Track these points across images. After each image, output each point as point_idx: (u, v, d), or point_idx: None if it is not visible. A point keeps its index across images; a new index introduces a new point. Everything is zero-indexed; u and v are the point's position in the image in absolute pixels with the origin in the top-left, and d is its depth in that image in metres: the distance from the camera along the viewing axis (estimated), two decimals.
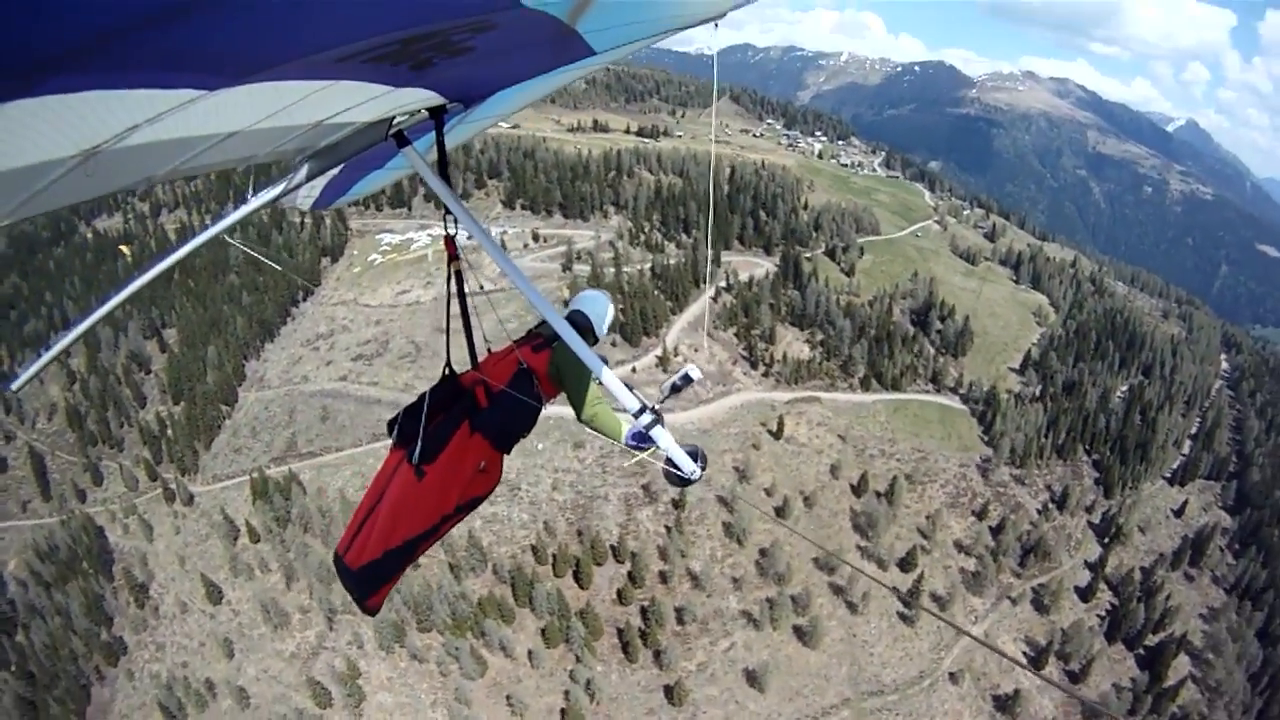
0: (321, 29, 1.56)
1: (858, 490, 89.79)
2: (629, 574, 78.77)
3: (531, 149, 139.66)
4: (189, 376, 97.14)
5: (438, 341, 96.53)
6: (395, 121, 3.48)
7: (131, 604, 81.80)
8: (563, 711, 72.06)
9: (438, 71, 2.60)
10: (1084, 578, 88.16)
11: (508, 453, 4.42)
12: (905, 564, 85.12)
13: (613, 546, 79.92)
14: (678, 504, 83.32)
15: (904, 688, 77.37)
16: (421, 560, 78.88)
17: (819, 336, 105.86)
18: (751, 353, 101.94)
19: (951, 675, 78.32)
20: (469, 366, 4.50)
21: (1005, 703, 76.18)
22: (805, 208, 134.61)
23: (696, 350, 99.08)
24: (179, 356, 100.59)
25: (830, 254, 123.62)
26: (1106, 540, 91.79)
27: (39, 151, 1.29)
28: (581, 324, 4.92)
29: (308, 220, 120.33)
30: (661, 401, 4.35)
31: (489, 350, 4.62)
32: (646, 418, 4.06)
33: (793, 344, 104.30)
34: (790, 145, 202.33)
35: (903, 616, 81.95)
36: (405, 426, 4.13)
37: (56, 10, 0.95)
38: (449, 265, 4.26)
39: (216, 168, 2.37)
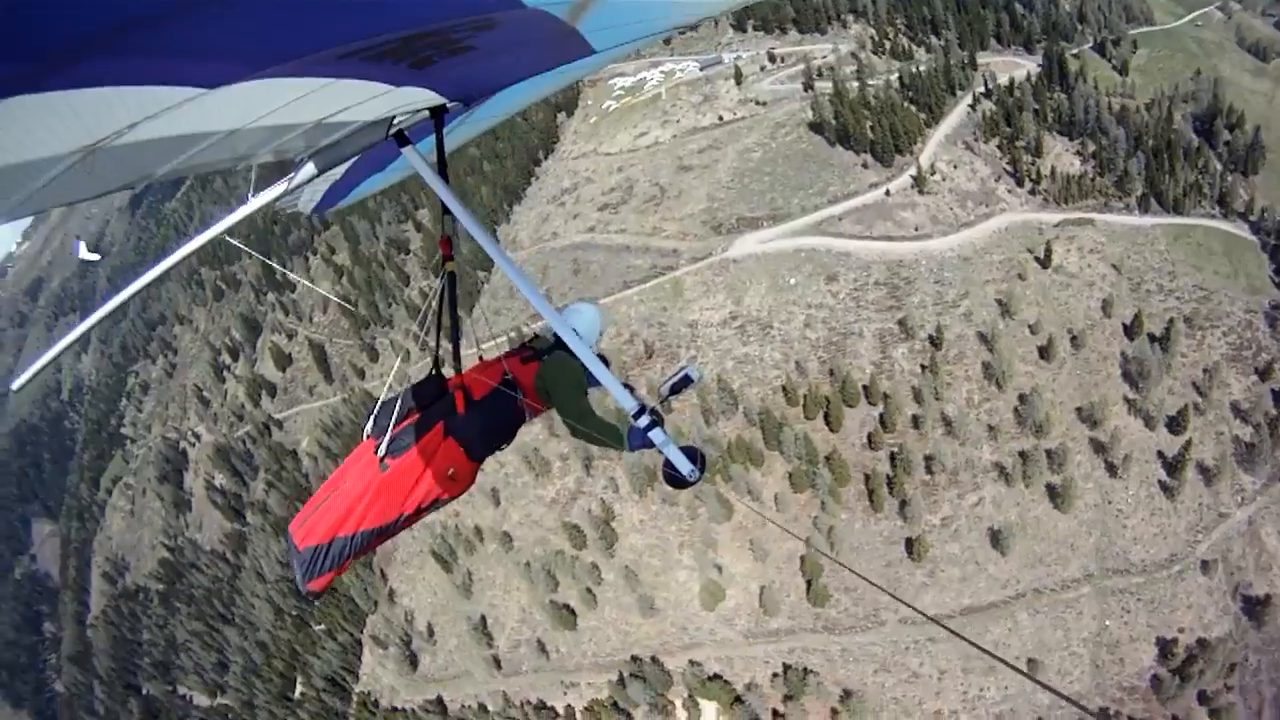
0: (323, 26, 1.55)
1: (1130, 332, 76.79)
2: (880, 417, 70.49)
3: None
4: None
5: (682, 180, 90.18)
6: (395, 121, 3.34)
7: None
8: (802, 559, 67.81)
9: (438, 70, 2.53)
10: None
11: (480, 462, 4.30)
12: (1174, 424, 74.14)
13: (865, 387, 70.97)
14: (935, 341, 72.42)
15: (1152, 570, 69.58)
16: (675, 405, 71.65)
17: (1091, 148, 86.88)
18: (1016, 168, 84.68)
19: (1204, 564, 69.75)
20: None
21: (1255, 606, 67.68)
22: None
23: (956, 166, 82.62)
24: (434, 233, 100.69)
25: (1099, 49, 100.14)
26: None
27: (41, 148, 1.28)
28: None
29: None
30: (660, 403, 4.17)
31: (480, 359, 4.62)
32: (644, 419, 3.77)
33: (1062, 156, 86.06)
34: None
35: (1164, 486, 72.69)
36: (379, 418, 4.06)
37: (58, 7, 0.95)
38: (443, 265, 4.10)
39: (217, 166, 2.32)
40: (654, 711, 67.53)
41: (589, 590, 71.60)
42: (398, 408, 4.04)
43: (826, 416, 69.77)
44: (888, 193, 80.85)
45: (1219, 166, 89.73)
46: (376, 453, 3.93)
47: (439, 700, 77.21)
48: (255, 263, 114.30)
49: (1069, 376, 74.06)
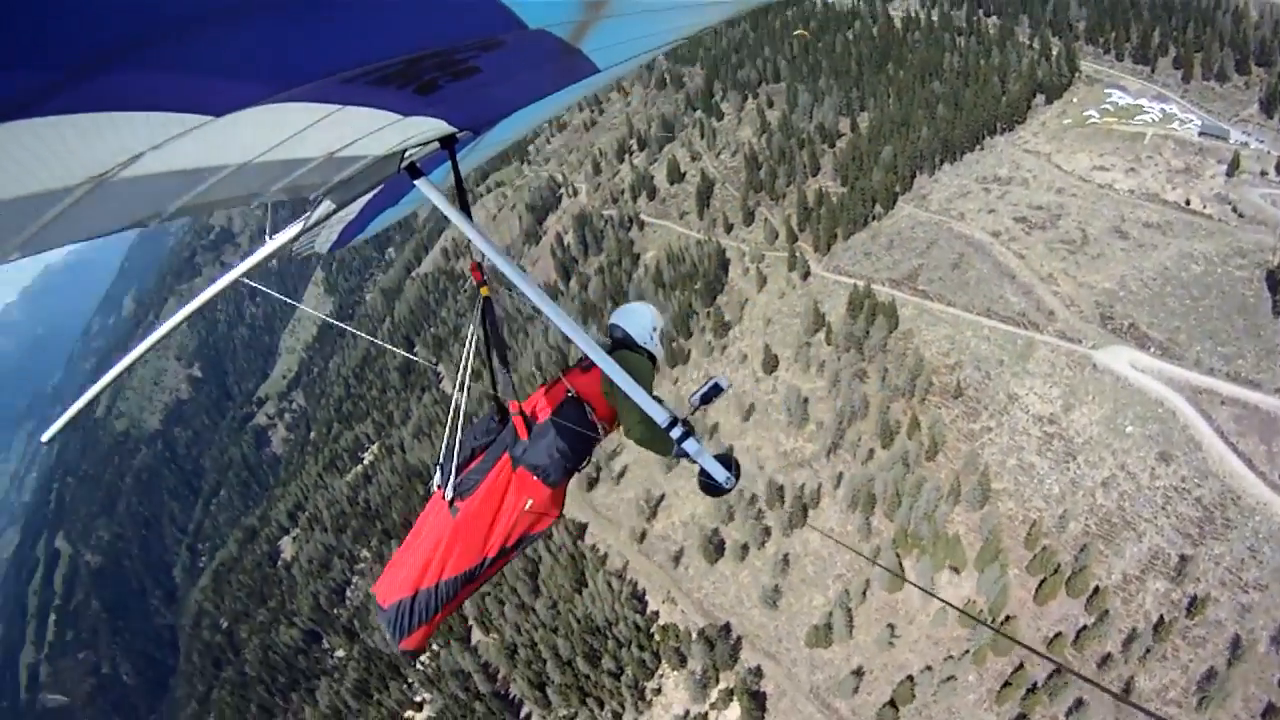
0: (325, 49, 1.56)
1: None
2: (1080, 630, 61.99)
3: None
4: (860, 166, 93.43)
5: (1108, 244, 75.62)
6: (406, 154, 3.32)
7: (710, 333, 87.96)
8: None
9: (444, 96, 2.49)
10: None
11: (560, 488, 4.09)
12: None
13: (1097, 588, 62.18)
14: (1191, 608, 62.79)
15: None
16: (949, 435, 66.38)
17: None
18: None
19: None
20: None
21: None
22: None
23: None
24: (861, 142, 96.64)
25: None
26: None
27: (47, 178, 1.22)
28: (618, 339, 4.64)
29: (1035, 45, 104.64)
30: (691, 413, 4.09)
31: (542, 384, 4.45)
32: (677, 430, 3.63)
33: None
34: None
35: None
36: (444, 466, 3.98)
37: (57, 28, 0.92)
38: (477, 291, 4.01)
39: (231, 204, 2.29)
40: (691, 677, 66.86)
41: (744, 546, 70.64)
42: (458, 451, 3.94)
43: (1041, 585, 62.58)
44: None
45: None
46: (445, 498, 3.87)
47: (583, 527, 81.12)
48: (700, 75, 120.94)
49: None
